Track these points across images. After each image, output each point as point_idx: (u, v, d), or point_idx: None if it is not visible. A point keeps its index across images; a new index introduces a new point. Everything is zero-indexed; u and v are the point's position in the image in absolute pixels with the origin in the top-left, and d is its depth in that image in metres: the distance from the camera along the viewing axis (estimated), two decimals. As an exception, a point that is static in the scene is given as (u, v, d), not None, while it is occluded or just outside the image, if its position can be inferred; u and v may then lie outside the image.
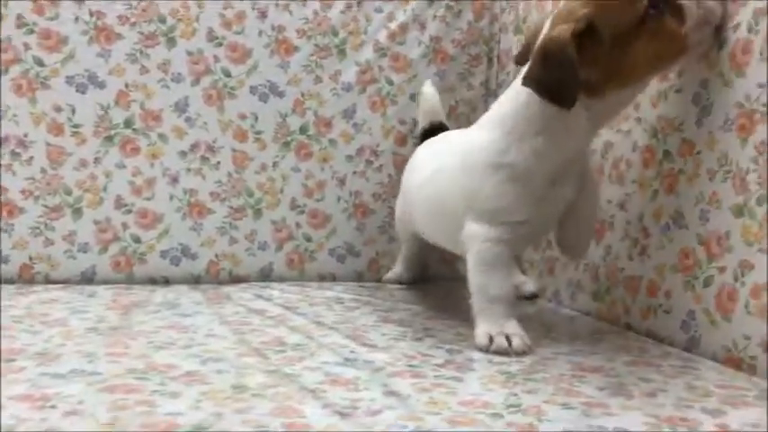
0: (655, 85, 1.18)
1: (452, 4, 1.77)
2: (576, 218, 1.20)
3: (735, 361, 1.00)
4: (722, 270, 1.04)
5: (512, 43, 1.71)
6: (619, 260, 1.27)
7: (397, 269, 1.70)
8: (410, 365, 0.97)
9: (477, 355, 1.03)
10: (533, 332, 1.11)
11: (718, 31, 1.07)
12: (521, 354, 1.04)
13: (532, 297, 1.51)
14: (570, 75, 1.01)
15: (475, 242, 1.14)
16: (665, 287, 1.15)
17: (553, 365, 0.98)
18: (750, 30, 1.01)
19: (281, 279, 1.67)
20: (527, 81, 1.06)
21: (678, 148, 1.14)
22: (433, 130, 1.56)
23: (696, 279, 1.09)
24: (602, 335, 1.19)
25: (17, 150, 1.56)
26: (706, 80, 1.09)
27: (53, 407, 0.76)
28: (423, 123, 1.63)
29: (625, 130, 1.27)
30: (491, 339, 1.07)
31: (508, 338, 1.06)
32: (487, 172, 1.13)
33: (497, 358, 1.01)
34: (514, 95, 1.11)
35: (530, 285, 1.53)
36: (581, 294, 1.38)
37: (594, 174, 1.28)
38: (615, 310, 1.27)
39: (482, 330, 1.09)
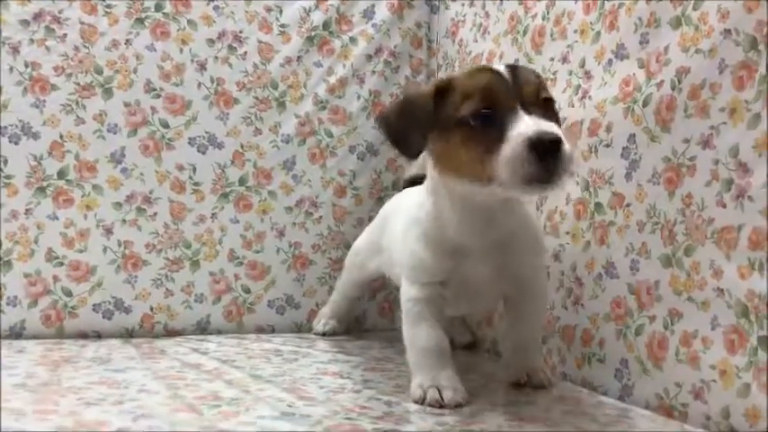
0: (585, 139, 1.22)
1: (390, 59, 1.81)
2: (513, 331, 1.20)
3: (666, 409, 1.02)
4: (652, 319, 1.07)
5: (449, 98, 1.75)
6: (554, 310, 1.29)
7: (329, 321, 1.66)
8: (348, 418, 0.96)
9: (414, 407, 1.03)
10: (471, 382, 1.12)
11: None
12: (454, 407, 1.02)
13: (469, 346, 1.52)
14: (419, 125, 1.03)
15: (402, 299, 1.16)
16: (598, 336, 1.18)
17: (491, 416, 0.98)
18: (674, 87, 1.06)
19: (219, 332, 1.65)
20: (378, 119, 1.09)
21: (609, 200, 1.17)
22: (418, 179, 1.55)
23: (628, 328, 1.11)
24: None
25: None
26: (633, 135, 1.13)
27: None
28: (408, 173, 1.59)
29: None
30: (425, 392, 1.05)
31: (440, 391, 1.04)
32: (410, 226, 1.16)
33: (436, 409, 1.01)
34: None
35: (467, 336, 1.54)
36: (518, 344, 1.39)
37: (540, 287, 1.20)
38: (551, 360, 1.28)
39: (416, 383, 1.07)
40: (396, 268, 1.29)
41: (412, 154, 1.05)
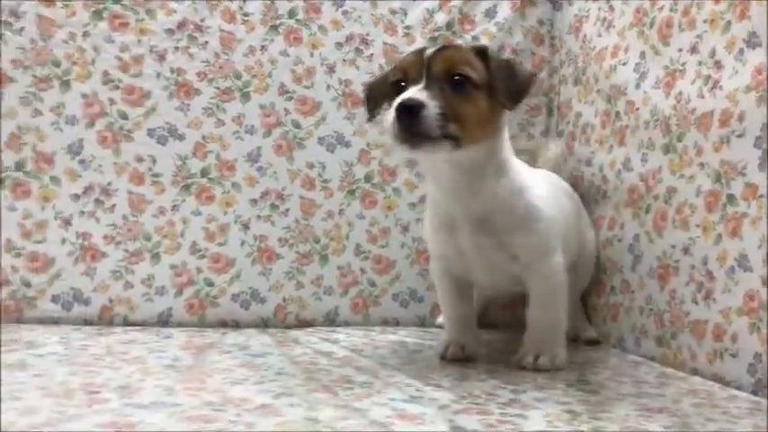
0: (716, 130, 1.20)
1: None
2: (527, 313, 1.28)
3: (804, 404, 0.99)
4: (788, 312, 1.04)
5: (571, 94, 1.74)
6: (684, 304, 1.27)
7: None
8: (475, 403, 0.98)
9: (541, 394, 1.04)
10: (598, 376, 1.12)
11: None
12: (473, 359, 1.27)
13: (593, 342, 1.51)
14: (377, 89, 1.23)
15: None
16: (731, 331, 1.15)
17: (619, 406, 0.99)
18: (810, 75, 1.03)
19: (346, 323, 1.71)
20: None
21: (742, 191, 1.15)
22: None
23: (761, 321, 1.08)
24: (668, 379, 1.19)
25: (101, 198, 1.66)
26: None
27: (138, 433, 0.80)
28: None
29: (688, 175, 1.28)
30: (446, 347, 1.29)
31: (463, 347, 1.27)
32: None
33: (563, 398, 1.02)
34: None
35: (591, 331, 1.54)
36: (645, 340, 1.38)
37: (538, 269, 1.26)
38: (681, 356, 1.26)
39: (443, 340, 1.32)
40: None
41: (369, 115, 1.25)
